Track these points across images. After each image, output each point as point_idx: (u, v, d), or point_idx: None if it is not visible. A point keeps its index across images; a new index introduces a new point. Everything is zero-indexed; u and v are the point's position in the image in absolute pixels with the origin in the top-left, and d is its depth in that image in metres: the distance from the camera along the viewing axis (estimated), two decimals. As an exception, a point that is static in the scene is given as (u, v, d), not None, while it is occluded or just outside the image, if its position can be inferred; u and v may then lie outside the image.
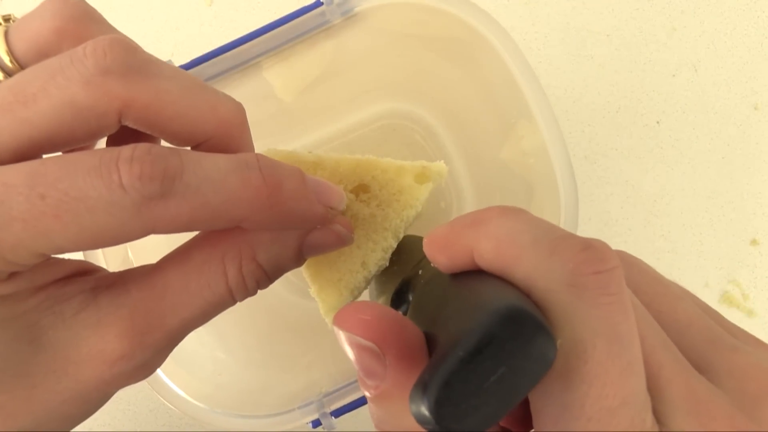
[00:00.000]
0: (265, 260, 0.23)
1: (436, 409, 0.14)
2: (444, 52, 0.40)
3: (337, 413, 0.34)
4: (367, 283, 0.28)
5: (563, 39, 0.48)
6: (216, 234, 0.23)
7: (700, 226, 0.47)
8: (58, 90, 0.19)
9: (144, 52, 0.21)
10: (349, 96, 0.42)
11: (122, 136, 0.22)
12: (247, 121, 0.23)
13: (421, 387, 0.14)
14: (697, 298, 0.20)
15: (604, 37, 0.48)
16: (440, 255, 0.19)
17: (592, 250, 0.16)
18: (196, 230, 0.20)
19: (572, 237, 0.16)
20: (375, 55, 0.40)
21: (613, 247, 0.21)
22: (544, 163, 0.35)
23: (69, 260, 0.22)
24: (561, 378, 0.15)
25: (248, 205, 0.20)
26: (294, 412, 0.35)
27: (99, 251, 0.35)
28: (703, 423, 0.15)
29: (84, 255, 0.35)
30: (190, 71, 0.35)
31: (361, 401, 0.35)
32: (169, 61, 0.34)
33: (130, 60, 0.20)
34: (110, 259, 0.35)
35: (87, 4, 0.23)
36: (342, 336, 0.17)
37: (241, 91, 0.37)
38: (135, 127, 0.20)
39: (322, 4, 0.35)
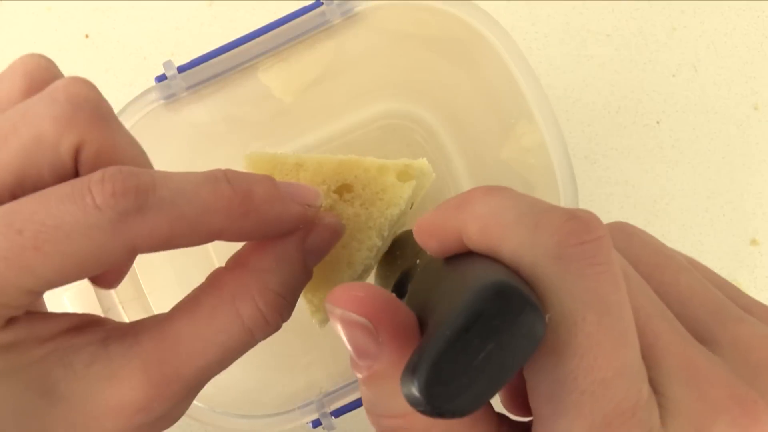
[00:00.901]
0: (279, 284, 0.22)
1: (427, 389, 0.14)
2: (444, 52, 0.40)
3: (337, 413, 0.34)
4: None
5: (563, 39, 0.48)
6: (222, 277, 0.23)
7: (700, 226, 0.47)
8: (27, 127, 0.19)
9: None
10: (349, 96, 0.42)
11: None
12: None
13: (411, 368, 0.14)
14: (707, 269, 0.20)
15: (604, 37, 0.48)
16: (430, 240, 0.19)
17: (577, 220, 0.15)
18: (177, 246, 0.20)
19: (556, 209, 0.16)
20: (375, 55, 0.40)
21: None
22: (544, 163, 0.35)
23: (76, 313, 0.22)
24: (553, 353, 0.15)
25: (223, 214, 0.20)
26: (294, 412, 0.34)
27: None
28: (702, 391, 0.15)
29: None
30: (190, 71, 0.35)
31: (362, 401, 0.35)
32: (169, 61, 0.34)
33: (101, 105, 0.20)
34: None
35: (50, 61, 0.22)
36: (335, 314, 0.17)
37: (241, 91, 0.37)
38: (81, 167, 0.20)
39: (322, 4, 0.35)
